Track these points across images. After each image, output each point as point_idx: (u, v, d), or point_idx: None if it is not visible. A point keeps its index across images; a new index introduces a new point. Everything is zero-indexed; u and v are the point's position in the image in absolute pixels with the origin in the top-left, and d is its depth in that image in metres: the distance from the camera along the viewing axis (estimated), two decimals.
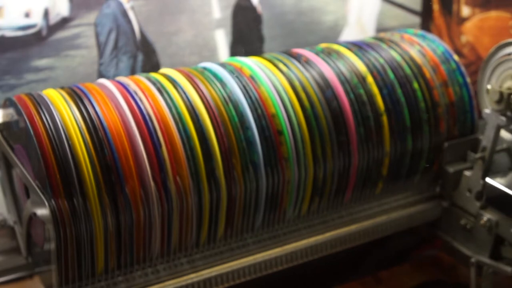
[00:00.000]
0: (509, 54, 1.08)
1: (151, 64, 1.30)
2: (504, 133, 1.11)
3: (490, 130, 1.08)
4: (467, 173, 1.11)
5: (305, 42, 1.38)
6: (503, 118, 1.05)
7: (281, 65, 1.05)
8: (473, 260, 1.08)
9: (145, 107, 0.93)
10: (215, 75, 1.01)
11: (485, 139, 1.09)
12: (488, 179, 1.08)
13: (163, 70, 1.04)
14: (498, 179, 1.08)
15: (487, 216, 1.08)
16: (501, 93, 1.05)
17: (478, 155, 1.09)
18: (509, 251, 1.07)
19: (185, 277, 0.97)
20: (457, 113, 1.13)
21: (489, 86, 1.08)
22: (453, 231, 1.15)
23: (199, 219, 0.95)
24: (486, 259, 1.08)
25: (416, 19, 1.59)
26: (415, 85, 1.10)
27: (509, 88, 1.06)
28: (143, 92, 0.95)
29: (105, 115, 0.91)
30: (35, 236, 0.98)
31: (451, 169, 1.13)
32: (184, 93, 0.97)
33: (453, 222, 1.15)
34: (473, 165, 1.11)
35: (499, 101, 1.06)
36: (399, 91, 1.08)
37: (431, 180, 1.16)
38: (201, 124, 0.94)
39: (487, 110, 1.08)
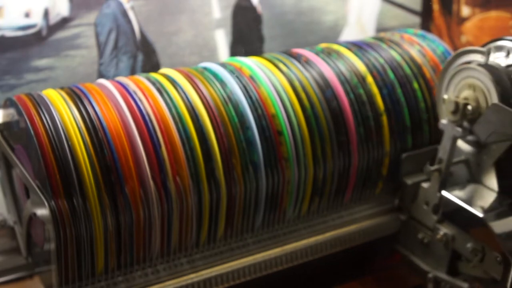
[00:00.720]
0: (467, 63, 1.02)
1: (151, 64, 1.30)
2: (462, 144, 1.06)
3: (446, 142, 1.02)
4: (425, 185, 1.07)
5: (305, 42, 1.38)
6: (459, 129, 1.00)
7: (281, 65, 1.05)
8: (430, 275, 1.06)
9: (144, 107, 0.93)
10: (215, 75, 1.01)
11: (442, 151, 1.03)
12: (444, 192, 1.04)
13: (163, 70, 1.04)
14: (456, 192, 1.03)
15: (443, 230, 1.04)
16: (456, 103, 1.00)
17: (435, 167, 1.04)
18: (466, 266, 1.03)
19: (185, 277, 0.97)
20: None
21: (445, 96, 1.02)
22: (411, 245, 1.11)
23: (199, 219, 0.95)
24: (443, 275, 1.05)
25: (416, 19, 1.59)
26: (415, 85, 1.10)
27: (466, 98, 1.00)
28: (142, 92, 0.95)
29: (105, 115, 0.91)
30: (35, 236, 0.98)
31: (409, 181, 1.09)
32: (184, 93, 0.97)
33: (411, 236, 1.11)
34: (430, 177, 1.06)
35: (454, 112, 1.01)
36: (399, 91, 1.08)
37: (391, 192, 1.12)
38: (201, 124, 0.94)
39: (443, 121, 1.02)
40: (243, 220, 1.00)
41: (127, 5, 1.27)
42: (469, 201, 1.01)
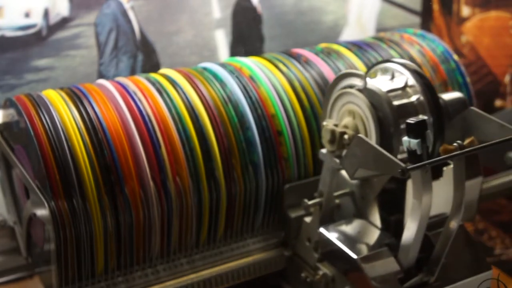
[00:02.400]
0: (350, 87, 0.90)
1: (151, 64, 1.30)
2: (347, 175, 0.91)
3: (326, 173, 0.93)
4: (307, 220, 0.98)
5: (305, 42, 1.38)
6: (337, 161, 0.90)
7: (281, 65, 1.05)
8: None
9: (144, 108, 0.93)
10: (215, 76, 1.01)
11: (322, 183, 0.94)
12: (322, 229, 0.94)
13: (162, 70, 1.05)
14: (341, 227, 0.94)
15: (323, 270, 0.95)
16: (333, 132, 0.89)
17: (313, 201, 0.95)
18: None
19: (185, 278, 0.97)
20: None
21: (324, 123, 0.91)
22: (296, 284, 1.02)
23: (199, 219, 0.95)
24: None
25: (416, 19, 1.59)
26: None
27: (345, 126, 0.89)
28: (142, 92, 0.95)
29: (105, 115, 0.91)
30: (35, 237, 0.98)
31: (292, 214, 0.99)
32: (184, 93, 0.97)
33: (295, 274, 1.01)
34: (308, 211, 0.97)
35: (331, 141, 0.89)
36: None
37: (276, 225, 1.03)
38: (200, 125, 0.94)
39: (322, 150, 0.92)
40: (243, 220, 1.00)
41: (127, 5, 1.27)
42: (349, 239, 0.92)
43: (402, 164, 0.75)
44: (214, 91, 0.98)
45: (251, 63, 1.05)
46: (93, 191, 0.87)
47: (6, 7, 1.17)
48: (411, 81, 0.88)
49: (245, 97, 0.99)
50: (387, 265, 0.87)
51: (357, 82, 0.88)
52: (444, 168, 0.89)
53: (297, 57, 1.08)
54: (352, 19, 1.51)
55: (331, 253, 0.92)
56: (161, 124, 0.92)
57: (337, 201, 0.97)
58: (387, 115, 0.85)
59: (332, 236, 0.92)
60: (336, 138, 0.89)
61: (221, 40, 1.37)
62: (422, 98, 0.86)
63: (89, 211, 0.87)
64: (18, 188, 1.02)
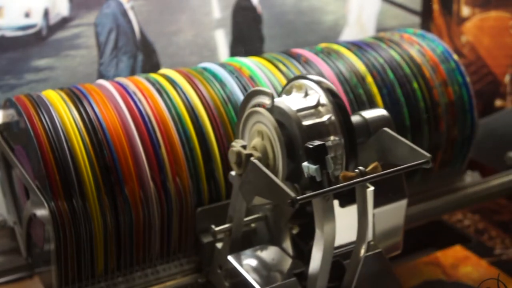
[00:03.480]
0: (260, 105, 0.83)
1: (151, 64, 1.30)
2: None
3: (235, 197, 0.85)
4: (219, 245, 0.91)
5: (305, 42, 1.38)
6: None
7: (280, 65, 1.05)
8: None
9: (144, 108, 0.93)
10: (215, 76, 1.01)
11: (231, 207, 0.86)
12: (230, 257, 0.87)
13: (162, 70, 1.04)
14: (248, 256, 0.87)
15: None
16: (238, 154, 0.81)
17: (222, 226, 0.88)
18: None
19: (185, 278, 0.97)
20: (457, 113, 1.13)
21: (233, 143, 0.82)
22: None
23: None
24: None
25: (416, 19, 1.59)
26: (415, 85, 1.10)
27: (254, 147, 0.82)
28: (142, 93, 0.95)
29: (104, 116, 0.91)
30: (35, 237, 0.98)
31: (205, 239, 0.93)
32: (184, 93, 0.97)
33: None
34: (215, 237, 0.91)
35: (238, 164, 0.81)
36: (398, 90, 1.08)
37: (190, 248, 0.97)
38: (200, 125, 0.94)
39: (232, 173, 0.85)
40: None
41: (127, 5, 1.27)
42: (258, 268, 0.85)
43: (292, 194, 0.70)
44: (214, 91, 0.98)
45: (251, 63, 1.05)
46: (93, 191, 0.87)
47: (6, 7, 1.18)
48: (324, 99, 0.81)
49: None
50: None
51: (266, 100, 0.82)
52: None
53: (297, 57, 1.08)
54: (352, 19, 1.51)
55: (239, 283, 0.86)
56: (161, 125, 0.92)
57: (253, 225, 0.91)
58: (296, 136, 0.79)
59: (240, 264, 0.86)
60: (243, 161, 0.80)
61: (221, 40, 1.37)
62: (333, 118, 0.80)
63: (89, 211, 0.87)
64: (18, 188, 1.02)
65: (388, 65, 1.10)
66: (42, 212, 0.86)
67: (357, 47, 1.13)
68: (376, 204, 0.84)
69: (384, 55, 1.12)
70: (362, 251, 0.78)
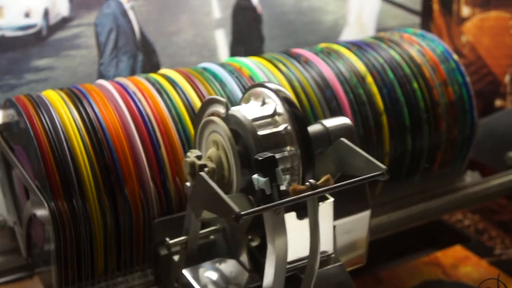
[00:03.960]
0: (214, 114, 0.80)
1: (151, 64, 1.30)
2: None
3: (189, 209, 0.81)
4: (175, 258, 0.88)
5: (305, 42, 1.38)
6: None
7: (280, 65, 1.05)
8: None
9: (144, 108, 0.93)
10: (215, 76, 1.01)
11: (186, 220, 0.83)
12: (184, 271, 0.83)
13: (162, 70, 1.04)
14: (205, 269, 0.83)
15: None
16: (192, 165, 0.77)
17: (177, 239, 0.85)
18: None
19: None
20: (457, 113, 1.13)
21: (188, 153, 0.79)
22: None
23: None
24: None
25: (416, 19, 1.59)
26: (415, 85, 1.10)
27: (209, 157, 0.79)
28: (142, 93, 0.95)
29: (104, 116, 0.91)
30: (35, 237, 0.98)
31: (162, 252, 0.89)
32: (184, 93, 0.97)
33: None
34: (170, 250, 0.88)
35: (192, 175, 0.78)
36: (398, 90, 1.08)
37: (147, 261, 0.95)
38: None
39: (187, 183, 0.81)
40: None
41: (127, 5, 1.27)
42: (213, 283, 0.82)
43: (236, 209, 0.66)
44: (214, 91, 0.98)
45: (251, 63, 1.05)
46: (93, 192, 0.87)
47: (6, 7, 1.17)
48: (280, 108, 0.77)
49: None
50: None
51: (221, 109, 0.79)
52: (321, 203, 0.78)
53: (297, 57, 1.08)
54: (352, 19, 1.51)
55: None
56: (161, 125, 0.92)
57: (212, 237, 0.87)
58: (251, 146, 0.76)
59: (195, 278, 0.82)
60: (196, 172, 0.77)
61: (221, 40, 1.37)
62: (290, 127, 0.76)
63: (89, 211, 0.87)
64: (18, 189, 1.02)
65: (388, 65, 1.10)
66: (42, 212, 0.86)
67: (357, 47, 1.13)
68: (338, 216, 0.81)
69: (384, 55, 1.12)
70: (316, 265, 0.75)
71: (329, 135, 0.82)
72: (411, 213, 1.14)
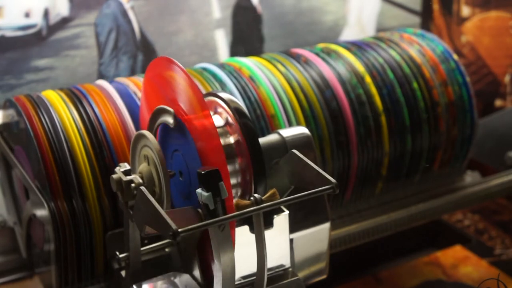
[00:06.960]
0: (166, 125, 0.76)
1: None
2: None
3: (126, 225, 0.79)
4: (123, 273, 0.85)
5: (305, 42, 1.38)
6: (131, 212, 0.75)
7: (280, 66, 1.05)
8: None
9: None
10: (214, 76, 1.01)
11: (125, 236, 0.80)
12: (135, 286, 0.80)
13: None
14: (155, 284, 0.80)
15: None
16: (118, 182, 0.74)
17: (121, 255, 0.82)
18: None
19: None
20: (457, 113, 1.13)
21: (116, 168, 0.75)
22: None
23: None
24: None
25: (416, 19, 1.59)
26: (415, 85, 1.10)
27: (140, 173, 0.75)
28: None
29: (104, 116, 0.91)
30: (35, 237, 0.98)
31: (116, 265, 0.86)
32: None
33: None
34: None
35: (121, 191, 0.74)
36: (398, 90, 1.08)
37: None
38: None
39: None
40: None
41: (127, 5, 1.27)
42: None
43: (174, 226, 0.64)
44: None
45: (250, 63, 1.05)
46: (92, 192, 0.87)
47: (6, 7, 1.18)
48: (231, 119, 0.75)
49: (244, 97, 0.98)
50: None
51: (169, 119, 0.74)
52: (275, 216, 0.77)
53: (296, 57, 1.08)
54: (352, 19, 1.51)
55: None
56: None
57: (167, 250, 0.85)
58: None
59: None
60: (124, 188, 0.74)
61: (221, 40, 1.37)
62: (240, 139, 0.74)
63: (89, 211, 0.87)
64: (18, 189, 1.02)
65: (388, 65, 1.10)
66: (42, 213, 0.86)
67: (357, 47, 1.13)
68: (296, 229, 0.80)
69: (384, 55, 1.12)
70: (264, 280, 0.73)
71: (286, 146, 0.80)
72: (411, 213, 1.14)
